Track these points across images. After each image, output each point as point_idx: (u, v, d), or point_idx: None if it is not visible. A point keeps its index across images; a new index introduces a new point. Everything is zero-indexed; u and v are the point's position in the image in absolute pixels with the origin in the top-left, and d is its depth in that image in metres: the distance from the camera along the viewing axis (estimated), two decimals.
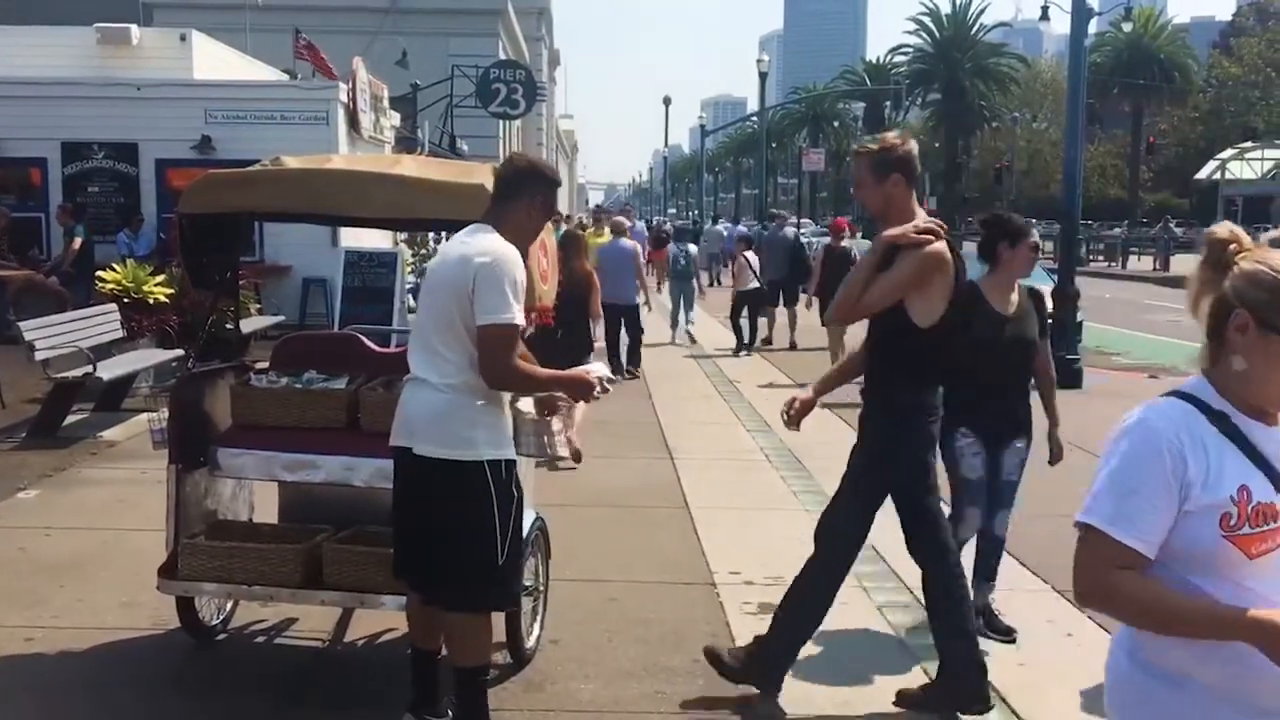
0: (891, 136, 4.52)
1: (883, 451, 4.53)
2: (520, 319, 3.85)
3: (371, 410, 4.76)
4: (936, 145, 78.56)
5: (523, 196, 3.99)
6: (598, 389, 4.18)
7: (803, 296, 16.08)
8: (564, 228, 14.59)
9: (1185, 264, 43.36)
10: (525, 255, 4.37)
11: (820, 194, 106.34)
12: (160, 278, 11.64)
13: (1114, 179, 71.11)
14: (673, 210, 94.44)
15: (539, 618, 5.13)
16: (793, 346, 16.56)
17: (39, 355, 9.01)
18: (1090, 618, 5.71)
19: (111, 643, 5.10)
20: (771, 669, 4.65)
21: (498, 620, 4.71)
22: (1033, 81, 79.05)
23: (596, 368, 4.52)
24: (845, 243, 14.54)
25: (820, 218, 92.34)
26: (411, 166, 4.82)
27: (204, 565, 4.57)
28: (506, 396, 4.03)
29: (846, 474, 4.68)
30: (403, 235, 17.08)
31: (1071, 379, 13.17)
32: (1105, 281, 37.41)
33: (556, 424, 4.83)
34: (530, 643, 4.97)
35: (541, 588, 5.13)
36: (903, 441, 4.51)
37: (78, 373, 9.17)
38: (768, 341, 17.05)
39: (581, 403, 4.76)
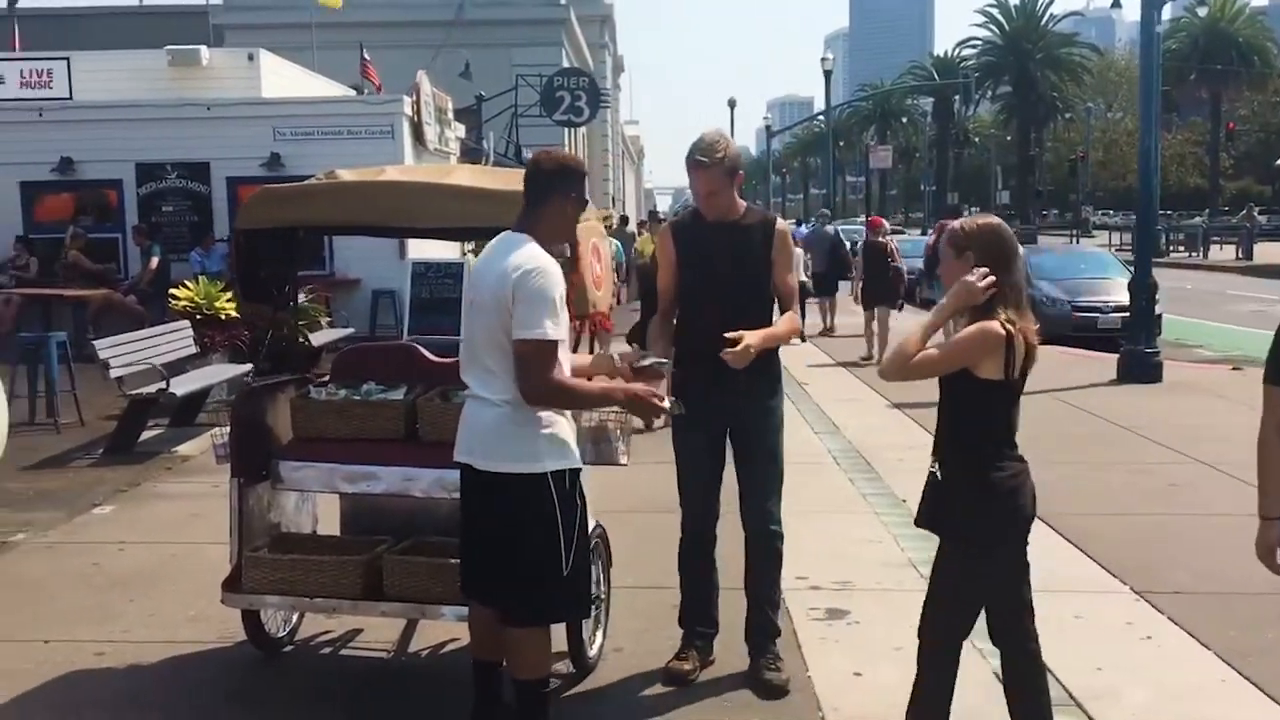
0: (722, 140, 4.70)
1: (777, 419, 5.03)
2: (557, 334, 3.73)
3: (430, 420, 4.76)
4: (1008, 139, 77.45)
5: (554, 196, 3.91)
6: (662, 416, 4.06)
7: (843, 285, 19.07)
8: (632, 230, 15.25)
9: (1270, 252, 42.14)
10: (574, 250, 4.32)
11: (890, 191, 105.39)
12: (231, 293, 11.81)
13: (1193, 167, 69.55)
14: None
15: (602, 626, 5.09)
16: (830, 331, 18.52)
17: (113, 373, 9.20)
18: (1171, 620, 5.53)
19: (179, 657, 5.15)
20: None
21: (559, 630, 4.69)
22: (1106, 70, 77.60)
23: (662, 389, 4.25)
24: (882, 238, 16.38)
25: (890, 215, 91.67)
26: (465, 176, 4.81)
27: (267, 578, 4.60)
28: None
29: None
30: (469, 245, 17.22)
31: (1150, 373, 12.84)
32: (1186, 272, 36.56)
33: (613, 431, 4.80)
34: (593, 651, 4.94)
35: (603, 595, 5.09)
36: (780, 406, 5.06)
37: (151, 389, 9.33)
38: (830, 330, 18.60)
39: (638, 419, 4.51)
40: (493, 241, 3.96)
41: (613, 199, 48.73)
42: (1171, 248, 44.70)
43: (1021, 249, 3.66)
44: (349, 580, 4.51)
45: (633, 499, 7.87)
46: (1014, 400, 3.63)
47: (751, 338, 4.55)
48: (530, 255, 3.79)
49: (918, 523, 3.93)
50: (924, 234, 48.45)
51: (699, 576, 5.14)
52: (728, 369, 4.71)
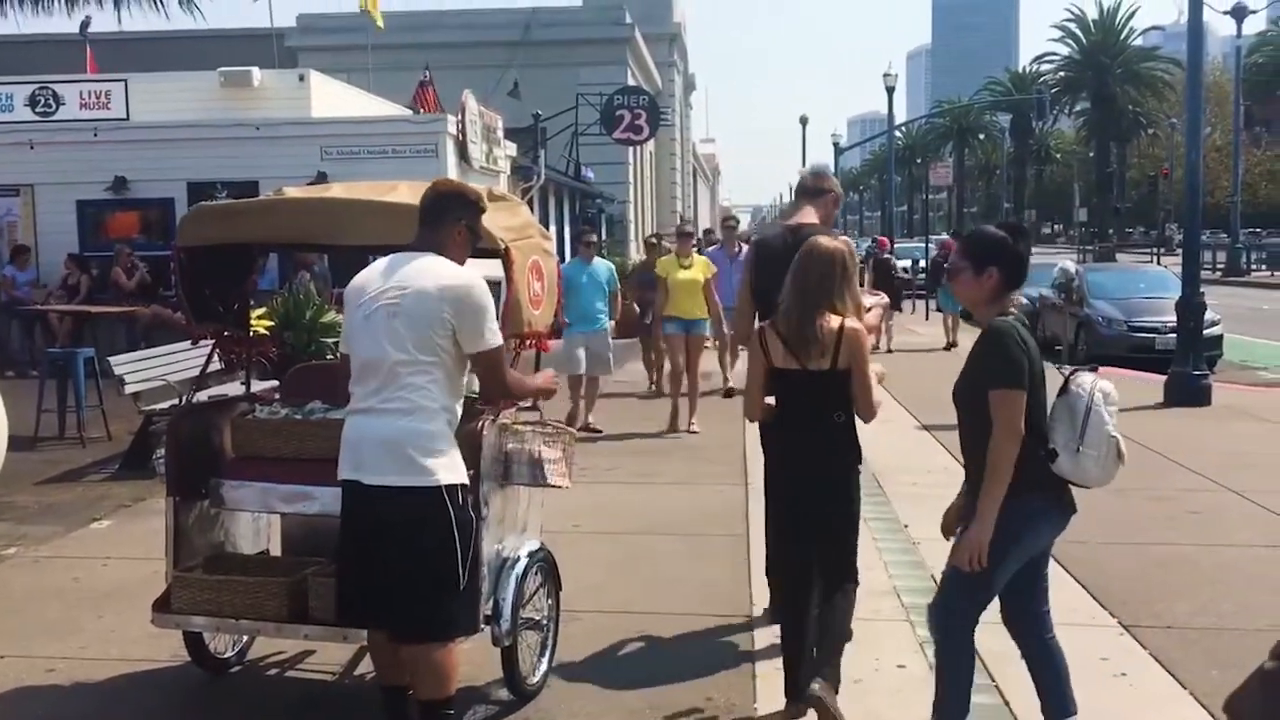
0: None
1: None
2: (500, 338, 4.01)
3: None
4: (1090, 155, 75.91)
5: (448, 221, 3.98)
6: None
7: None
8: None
9: None
10: (509, 267, 4.49)
11: (970, 208, 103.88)
12: (261, 310, 11.91)
13: None
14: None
15: (548, 652, 4.97)
16: None
17: (128, 389, 9.31)
18: (1153, 656, 5.27)
19: (128, 675, 5.14)
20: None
21: (495, 655, 4.59)
22: None
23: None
24: (886, 255, 20.72)
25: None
26: (405, 193, 4.74)
27: (194, 598, 4.56)
28: (455, 423, 3.93)
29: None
30: None
31: (1197, 396, 12.39)
32: (1266, 292, 35.49)
33: (552, 453, 4.69)
34: (535, 678, 4.82)
35: (548, 621, 4.97)
36: None
37: (165, 405, 9.42)
38: None
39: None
40: (395, 257, 3.95)
41: (680, 217, 48.64)
42: (1253, 267, 43.42)
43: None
44: (274, 602, 4.45)
45: (630, 520, 7.77)
46: (789, 385, 4.54)
47: None
48: (457, 271, 3.93)
49: None
50: None
51: None
52: None
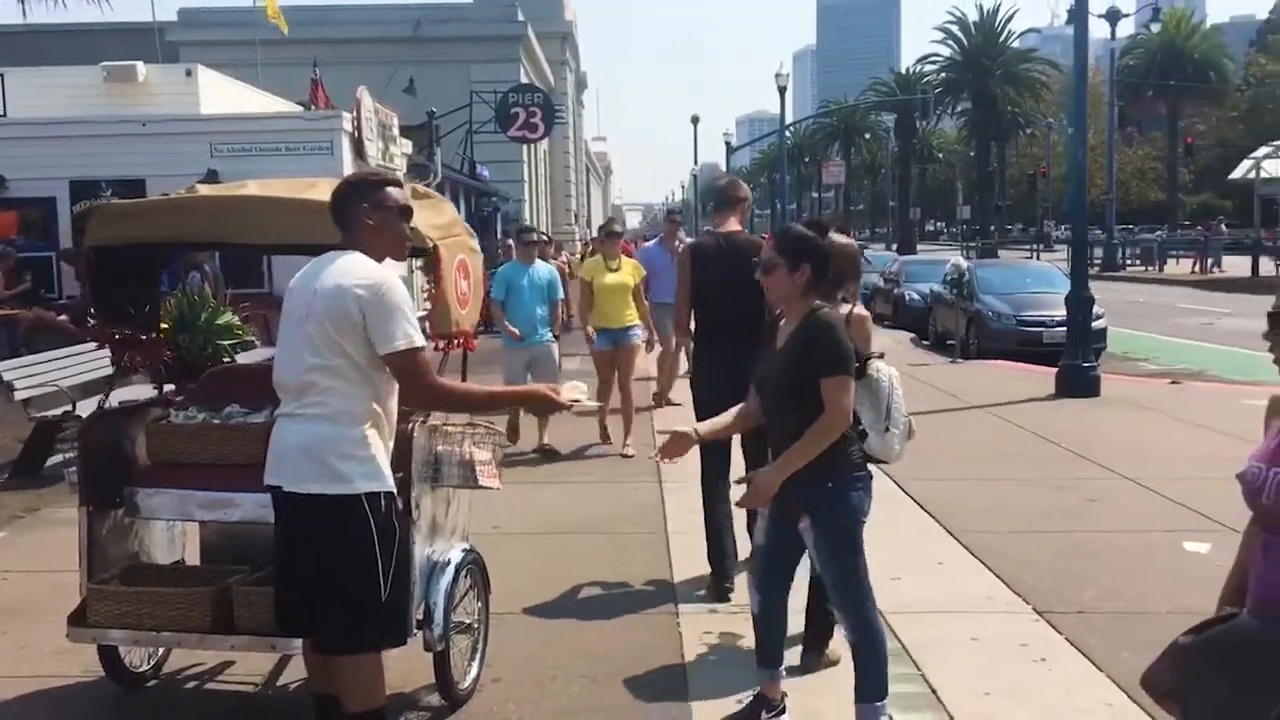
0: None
1: None
2: (421, 339, 3.74)
3: None
4: (972, 155, 77.86)
5: (353, 209, 3.81)
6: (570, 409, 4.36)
7: None
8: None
9: (1232, 266, 42.31)
10: (436, 266, 4.43)
11: (857, 206, 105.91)
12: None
13: (1154, 182, 70.09)
14: (708, 228, 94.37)
15: (478, 655, 4.92)
16: None
17: (18, 395, 8.96)
18: (1068, 641, 5.42)
19: (40, 692, 4.95)
20: None
21: (425, 660, 4.53)
22: (1068, 87, 78.00)
23: (570, 387, 4.37)
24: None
25: (857, 231, 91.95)
26: (325, 190, 4.63)
27: (111, 611, 4.40)
28: (385, 426, 3.83)
29: None
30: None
31: (1088, 388, 12.79)
32: (1140, 286, 36.83)
33: (482, 454, 4.64)
34: (466, 683, 4.77)
35: (478, 624, 4.92)
36: None
37: (57, 412, 9.09)
38: None
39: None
40: (321, 257, 3.84)
41: (575, 215, 48.64)
42: (1128, 262, 45.02)
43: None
44: (197, 613, 4.32)
45: (549, 520, 7.73)
46: None
47: None
48: (368, 269, 3.74)
49: None
50: (888, 249, 49.50)
51: (722, 521, 6.10)
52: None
